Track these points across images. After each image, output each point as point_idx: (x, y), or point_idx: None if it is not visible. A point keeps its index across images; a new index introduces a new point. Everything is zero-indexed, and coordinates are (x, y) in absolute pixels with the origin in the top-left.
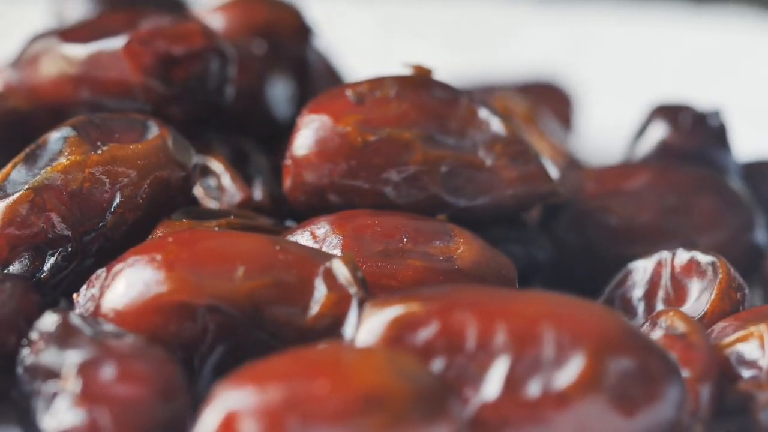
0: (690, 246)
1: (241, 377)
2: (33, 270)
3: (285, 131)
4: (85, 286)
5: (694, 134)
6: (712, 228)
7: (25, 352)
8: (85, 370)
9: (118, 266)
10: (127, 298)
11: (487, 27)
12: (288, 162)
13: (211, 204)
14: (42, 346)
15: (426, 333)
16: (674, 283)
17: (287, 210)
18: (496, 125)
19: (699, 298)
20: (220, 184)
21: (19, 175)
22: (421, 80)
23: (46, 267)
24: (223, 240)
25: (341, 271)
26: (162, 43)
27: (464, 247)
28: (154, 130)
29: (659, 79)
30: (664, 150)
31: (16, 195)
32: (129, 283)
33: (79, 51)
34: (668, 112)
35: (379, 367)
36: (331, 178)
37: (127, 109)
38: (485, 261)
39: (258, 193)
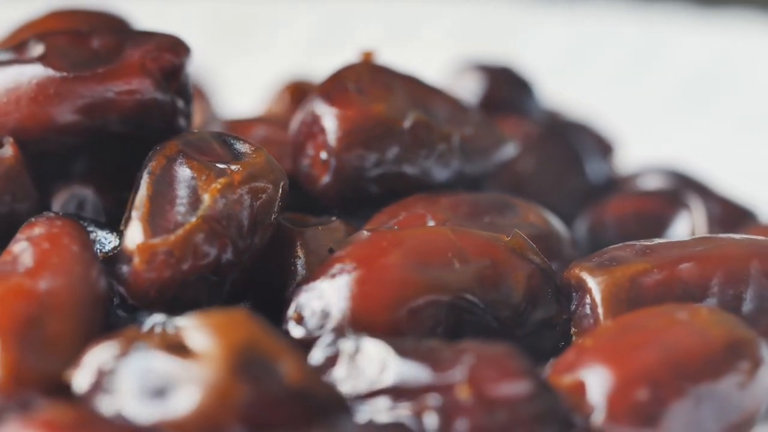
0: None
1: (595, 351)
2: (208, 301)
3: None
4: (303, 301)
5: (507, 86)
6: (569, 174)
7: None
8: (474, 376)
9: (343, 276)
10: (375, 304)
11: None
12: (324, 157)
13: None
14: (351, 369)
15: (662, 289)
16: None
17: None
18: (445, 98)
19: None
20: None
21: (161, 208)
22: (378, 65)
23: (217, 295)
24: (421, 237)
25: (522, 247)
26: (168, 56)
27: (532, 214)
28: (242, 143)
29: None
30: (487, 102)
31: (188, 226)
32: (372, 290)
33: (66, 75)
34: (482, 68)
35: (713, 320)
36: (377, 168)
37: (133, 130)
38: (553, 222)
39: None
